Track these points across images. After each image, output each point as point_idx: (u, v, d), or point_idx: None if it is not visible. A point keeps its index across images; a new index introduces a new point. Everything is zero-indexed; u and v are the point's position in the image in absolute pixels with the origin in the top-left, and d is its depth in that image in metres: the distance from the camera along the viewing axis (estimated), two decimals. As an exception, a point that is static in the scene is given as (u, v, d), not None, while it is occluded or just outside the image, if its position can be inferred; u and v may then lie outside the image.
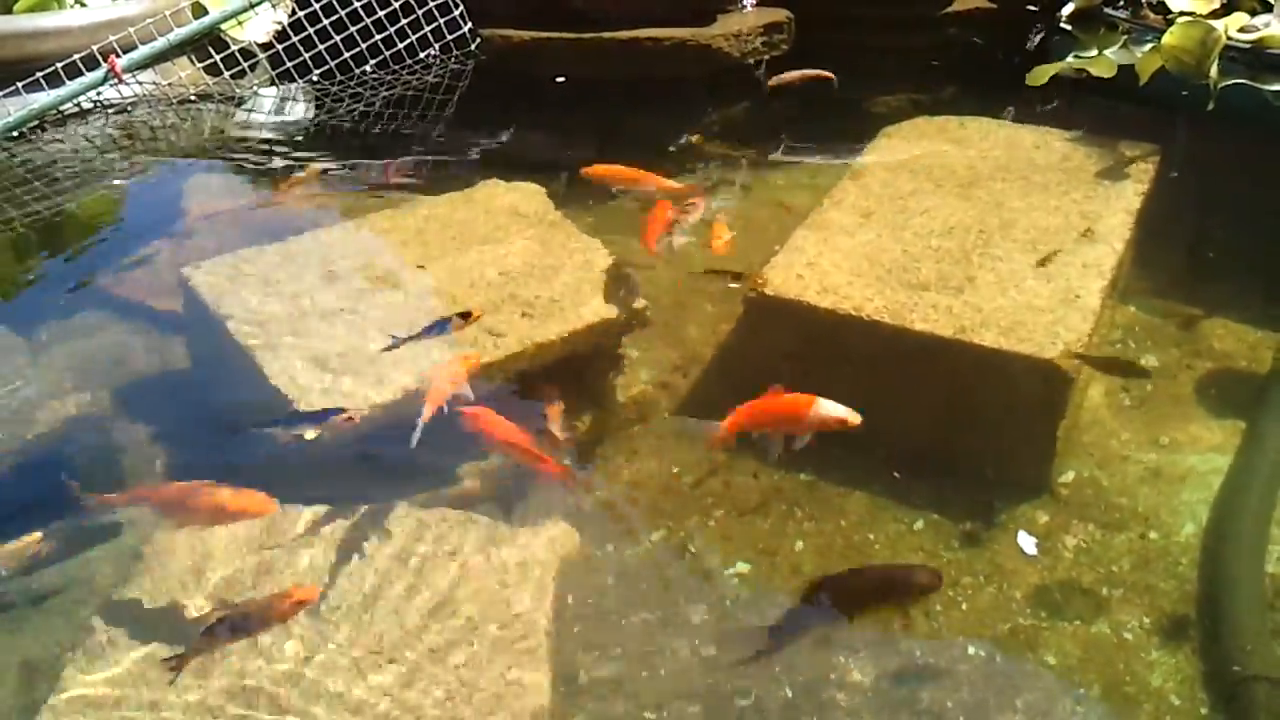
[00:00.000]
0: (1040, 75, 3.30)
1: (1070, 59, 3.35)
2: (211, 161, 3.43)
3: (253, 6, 3.81)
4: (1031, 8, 3.97)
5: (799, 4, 3.88)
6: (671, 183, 2.88)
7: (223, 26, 3.79)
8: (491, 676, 1.64)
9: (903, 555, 2.11)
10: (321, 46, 3.79)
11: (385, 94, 3.78)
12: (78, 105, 3.55)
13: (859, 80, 3.92)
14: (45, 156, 3.35)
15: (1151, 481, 2.26)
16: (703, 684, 1.85)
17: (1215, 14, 3.15)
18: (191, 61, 3.76)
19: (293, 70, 3.80)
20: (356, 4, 3.78)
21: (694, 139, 3.58)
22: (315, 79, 3.82)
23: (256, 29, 3.91)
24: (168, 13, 3.62)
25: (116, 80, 3.52)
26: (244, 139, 3.59)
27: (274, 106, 3.78)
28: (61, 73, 3.43)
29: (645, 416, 2.45)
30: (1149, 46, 3.18)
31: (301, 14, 3.80)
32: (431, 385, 1.98)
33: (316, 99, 3.76)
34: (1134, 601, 2.01)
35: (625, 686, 1.85)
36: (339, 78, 3.82)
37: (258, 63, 3.82)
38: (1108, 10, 3.49)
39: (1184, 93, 3.02)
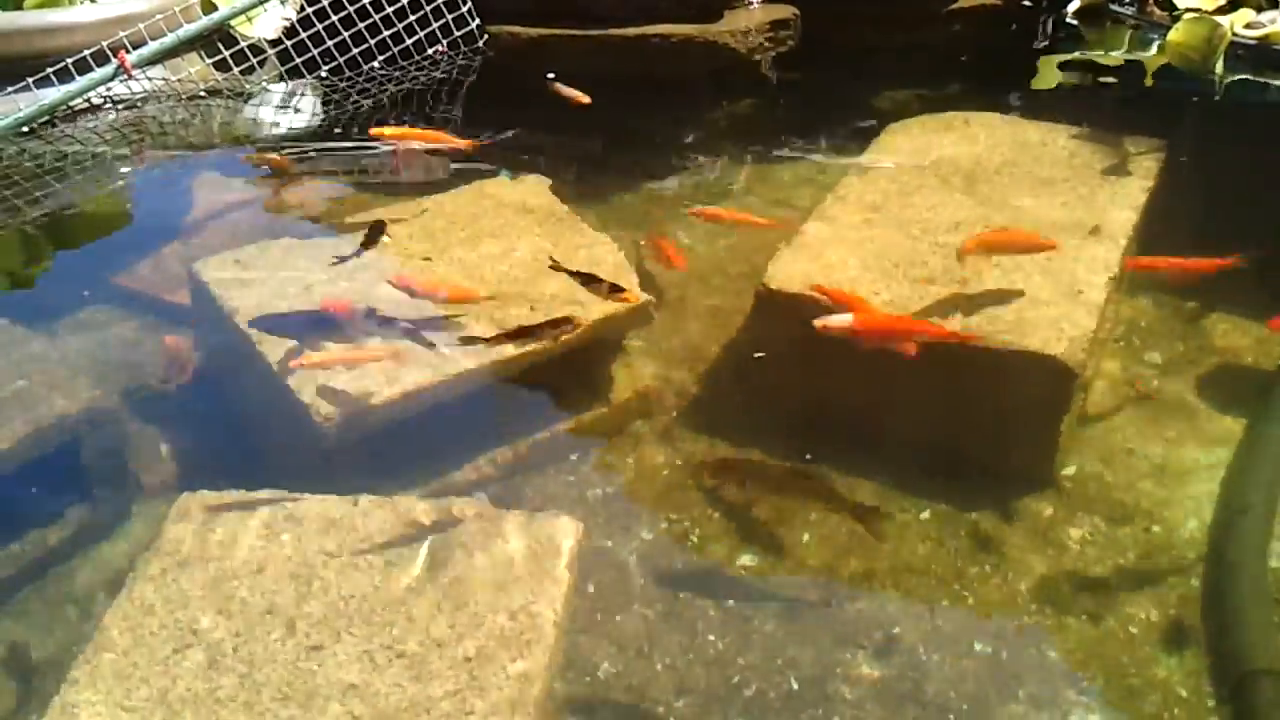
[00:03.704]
0: (1046, 71, 3.30)
1: (1076, 55, 3.35)
2: (220, 157, 3.45)
3: (262, 3, 3.82)
4: (1026, 2, 3.97)
5: (805, 1, 3.89)
6: None
7: (232, 22, 3.80)
8: (499, 668, 1.65)
9: (910, 546, 2.12)
10: (330, 43, 3.80)
11: (393, 90, 3.79)
12: (88, 101, 3.56)
13: (865, 76, 3.93)
14: (55, 152, 3.37)
15: (1155, 475, 2.27)
16: (708, 675, 1.87)
17: (1221, 10, 3.16)
18: (201, 57, 3.77)
19: (301, 66, 3.82)
20: (365, 0, 3.79)
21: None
22: (324, 75, 3.84)
23: (265, 25, 3.93)
24: (177, 9, 3.63)
25: (126, 76, 3.54)
26: (252, 135, 3.61)
27: (283, 102, 3.79)
28: (72, 68, 3.45)
29: (651, 410, 2.47)
30: (1155, 43, 3.18)
31: (310, 10, 3.81)
32: None
33: (325, 95, 3.77)
34: (1139, 595, 2.02)
35: (631, 678, 1.87)
36: (347, 74, 3.83)
37: (266, 59, 3.83)
38: (1114, 6, 3.50)
39: (1189, 88, 3.03)
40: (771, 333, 2.43)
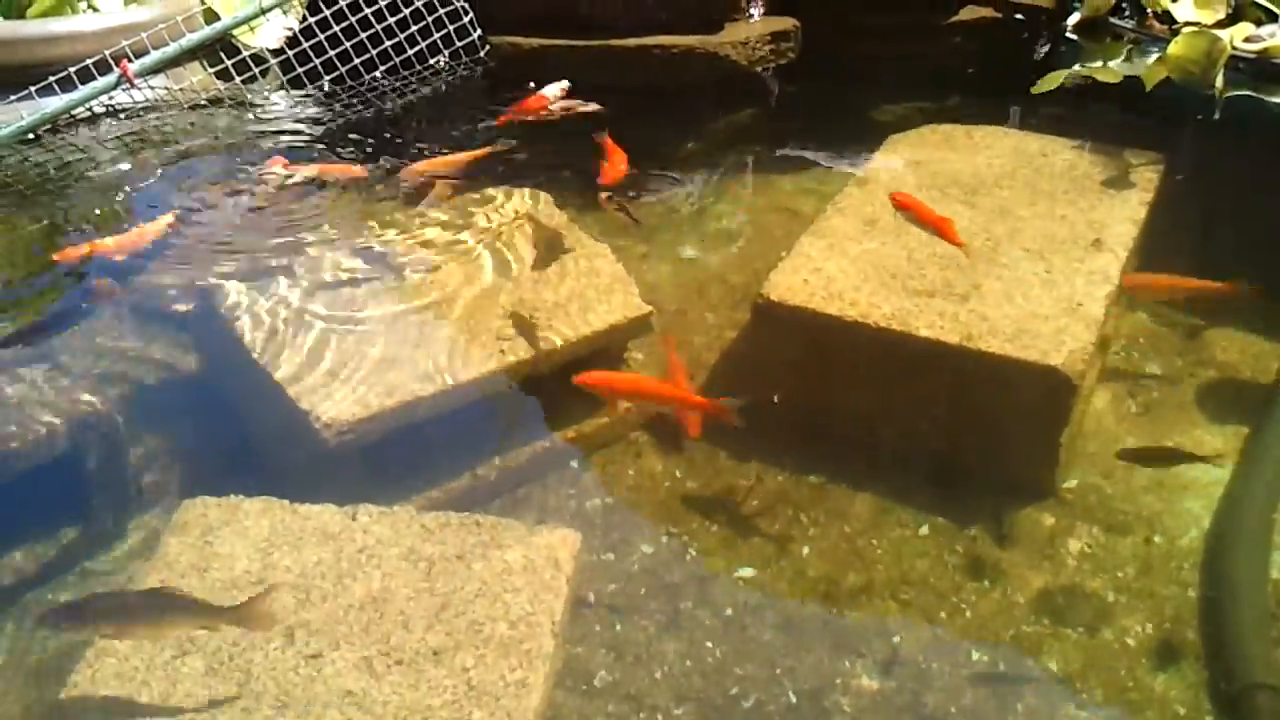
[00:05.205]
0: (1046, 84, 3.31)
1: (1076, 68, 3.36)
2: (222, 166, 3.45)
3: (264, 12, 3.84)
4: (1019, 16, 3.97)
5: (806, 12, 3.90)
6: None
7: (234, 32, 3.81)
8: (497, 676, 1.65)
9: (907, 560, 2.12)
10: (332, 53, 3.81)
11: (395, 100, 3.79)
12: (90, 109, 3.56)
13: (865, 88, 3.94)
14: (57, 160, 3.37)
15: (1155, 488, 2.27)
16: (707, 687, 1.87)
17: (1220, 24, 3.16)
18: (203, 66, 3.78)
19: (303, 76, 3.82)
20: (367, 11, 3.80)
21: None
22: (326, 85, 3.84)
23: (268, 35, 3.93)
24: (179, 18, 3.64)
25: (128, 85, 3.54)
26: (254, 144, 3.61)
27: (284, 112, 3.80)
28: (74, 77, 3.46)
29: (649, 421, 2.47)
30: (1154, 56, 3.19)
31: (312, 20, 3.82)
32: None
33: (327, 105, 3.78)
34: (1138, 607, 2.02)
35: (629, 689, 1.87)
36: (349, 84, 3.84)
37: (269, 68, 3.84)
38: (1113, 20, 3.51)
39: (1189, 102, 3.03)
40: (771, 343, 2.43)
